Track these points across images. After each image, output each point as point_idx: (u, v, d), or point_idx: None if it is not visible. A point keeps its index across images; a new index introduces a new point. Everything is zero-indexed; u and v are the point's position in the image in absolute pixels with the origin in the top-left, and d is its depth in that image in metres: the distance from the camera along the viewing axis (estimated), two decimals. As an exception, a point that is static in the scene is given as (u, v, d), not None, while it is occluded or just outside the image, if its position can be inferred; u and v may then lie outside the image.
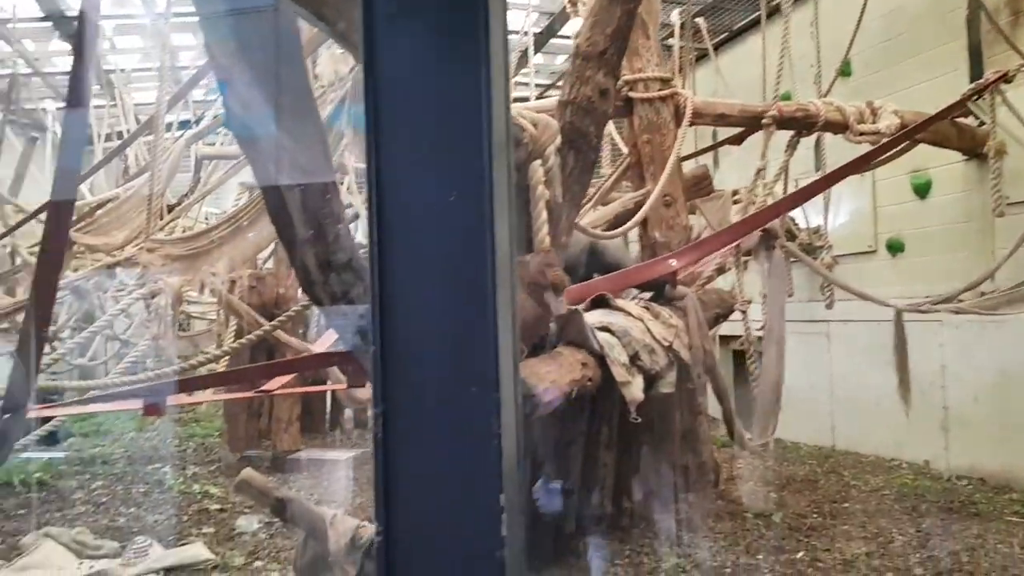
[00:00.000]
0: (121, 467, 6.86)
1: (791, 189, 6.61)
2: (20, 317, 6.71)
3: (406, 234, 1.51)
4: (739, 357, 8.26)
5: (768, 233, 5.78)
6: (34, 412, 4.06)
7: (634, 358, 4.08)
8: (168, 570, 4.37)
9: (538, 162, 3.54)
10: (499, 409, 1.49)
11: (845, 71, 7.53)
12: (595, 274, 4.73)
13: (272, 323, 4.37)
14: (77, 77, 3.02)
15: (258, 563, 4.49)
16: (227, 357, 5.54)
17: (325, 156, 2.70)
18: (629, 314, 4.35)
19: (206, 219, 11.02)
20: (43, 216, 7.18)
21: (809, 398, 7.66)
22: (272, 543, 4.82)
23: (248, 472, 3.98)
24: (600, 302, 4.45)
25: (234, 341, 6.30)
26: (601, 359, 3.93)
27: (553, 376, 3.52)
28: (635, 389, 3.96)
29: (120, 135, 10.15)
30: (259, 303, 6.58)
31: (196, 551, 4.55)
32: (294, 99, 2.48)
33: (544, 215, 3.52)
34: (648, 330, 4.27)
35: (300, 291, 6.92)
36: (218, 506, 5.56)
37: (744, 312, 6.00)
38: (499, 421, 1.50)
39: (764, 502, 5.71)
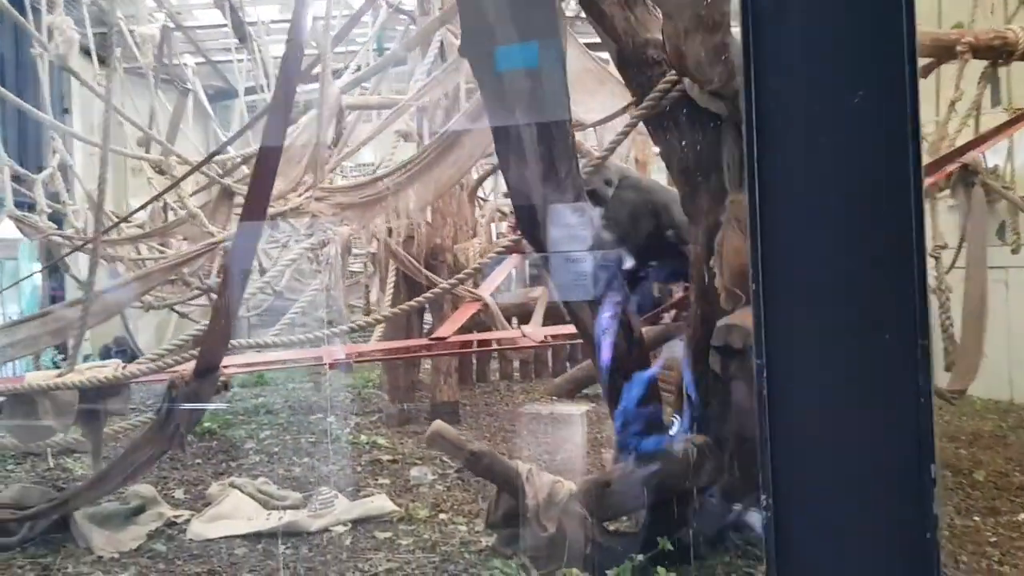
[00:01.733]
0: (285, 417, 6.94)
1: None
2: (185, 270, 6.81)
3: (793, 144, 1.24)
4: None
5: (968, 169, 5.33)
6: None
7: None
8: (355, 522, 4.33)
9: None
10: (927, 361, 1.22)
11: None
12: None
13: (453, 280, 4.24)
14: (296, 24, 2.88)
15: (443, 516, 4.41)
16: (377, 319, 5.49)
17: (563, 87, 2.46)
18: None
19: (341, 172, 11.06)
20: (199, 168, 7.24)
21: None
22: (451, 496, 4.73)
23: (439, 424, 3.87)
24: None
25: (394, 296, 6.26)
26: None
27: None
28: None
29: (262, 88, 10.21)
30: (416, 253, 6.46)
31: (381, 503, 4.49)
32: (540, 22, 2.24)
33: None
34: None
35: (453, 242, 6.78)
36: (389, 457, 5.52)
37: (937, 258, 5.55)
38: (927, 377, 1.23)
39: (956, 458, 5.32)
